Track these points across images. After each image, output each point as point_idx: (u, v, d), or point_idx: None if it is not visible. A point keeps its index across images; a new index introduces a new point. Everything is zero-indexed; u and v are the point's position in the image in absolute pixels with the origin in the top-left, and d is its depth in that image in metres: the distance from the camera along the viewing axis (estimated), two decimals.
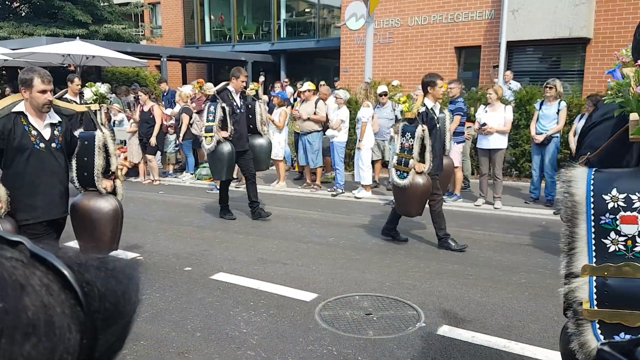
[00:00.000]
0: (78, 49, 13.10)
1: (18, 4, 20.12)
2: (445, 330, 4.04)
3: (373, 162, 9.50)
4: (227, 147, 7.09)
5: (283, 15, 21.06)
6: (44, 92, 3.66)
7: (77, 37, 14.42)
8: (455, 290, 4.87)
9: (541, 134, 8.06)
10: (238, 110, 7.35)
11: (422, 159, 5.88)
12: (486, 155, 8.17)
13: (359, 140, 8.94)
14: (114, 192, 4.33)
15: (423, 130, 5.82)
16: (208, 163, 7.46)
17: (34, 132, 3.74)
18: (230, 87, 7.35)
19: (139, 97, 10.73)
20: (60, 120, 3.95)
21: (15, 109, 3.69)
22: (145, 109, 10.32)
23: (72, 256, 0.61)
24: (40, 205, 3.81)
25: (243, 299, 4.65)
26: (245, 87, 7.95)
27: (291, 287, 4.92)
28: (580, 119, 7.66)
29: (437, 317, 4.27)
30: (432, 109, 6.08)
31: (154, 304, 4.56)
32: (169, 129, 11.05)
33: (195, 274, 5.29)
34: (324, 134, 9.73)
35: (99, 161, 4.13)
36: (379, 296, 4.72)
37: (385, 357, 3.63)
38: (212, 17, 22.87)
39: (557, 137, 8.09)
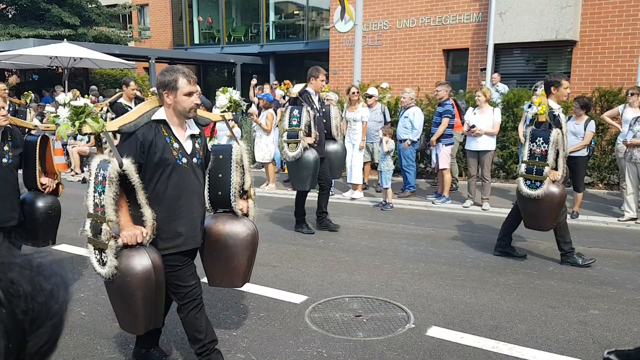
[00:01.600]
0: (65, 51, 13.04)
1: (4, 5, 19.95)
2: (434, 331, 4.07)
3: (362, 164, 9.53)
4: (312, 155, 6.48)
5: (272, 17, 21.06)
6: (190, 94, 3.08)
7: (65, 39, 14.33)
8: (444, 291, 4.90)
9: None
10: (318, 114, 6.74)
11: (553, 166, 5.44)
12: (475, 157, 8.24)
13: (363, 140, 8.95)
14: (245, 214, 3.65)
15: (557, 134, 5.36)
16: (289, 172, 6.86)
17: (175, 145, 3.11)
18: (309, 89, 6.73)
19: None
20: (200, 131, 3.32)
21: (155, 117, 3.10)
22: None
23: None
24: (183, 231, 3.15)
25: (232, 302, 4.65)
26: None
27: (281, 290, 4.93)
28: (567, 121, 7.72)
29: (426, 318, 4.29)
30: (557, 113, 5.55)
31: None
32: None
33: None
34: None
35: (236, 178, 3.49)
36: (369, 298, 4.74)
37: (375, 359, 3.65)
38: (201, 18, 22.81)
39: None
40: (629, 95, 7.84)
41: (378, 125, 9.38)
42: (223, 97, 4.04)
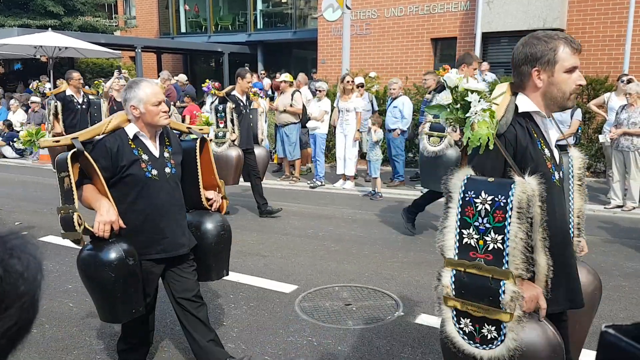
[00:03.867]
0: (50, 40, 12.88)
1: None
2: (423, 318, 4.10)
3: None
4: (456, 153, 5.83)
5: (259, 5, 20.92)
6: (572, 70, 2.05)
7: (49, 28, 14.15)
8: (433, 279, 4.92)
9: None
10: None
11: None
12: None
13: (358, 130, 8.92)
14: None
15: None
16: (422, 168, 6.19)
17: (547, 153, 2.09)
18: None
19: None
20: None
21: (523, 108, 2.08)
22: None
23: None
24: (564, 283, 2.10)
25: (222, 292, 4.65)
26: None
27: (271, 279, 4.93)
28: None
29: (415, 306, 4.32)
30: None
31: None
32: None
33: None
34: (302, 126, 9.73)
35: (579, 202, 2.38)
36: (358, 287, 4.77)
37: (365, 347, 3.67)
38: (187, 7, 22.59)
39: None
40: (623, 82, 7.78)
41: (366, 114, 9.38)
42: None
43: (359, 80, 9.67)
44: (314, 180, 9.41)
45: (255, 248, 5.90)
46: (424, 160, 6.02)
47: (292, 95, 9.53)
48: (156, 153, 2.94)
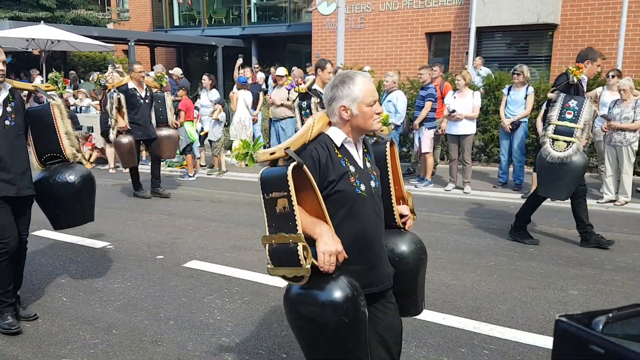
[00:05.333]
0: (43, 33, 12.79)
1: None
2: None
3: None
4: (583, 160, 5.32)
5: None
6: None
7: (42, 21, 14.05)
8: (426, 273, 4.94)
9: (509, 119, 8.19)
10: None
11: None
12: (455, 141, 8.28)
13: None
14: None
15: None
16: (540, 174, 5.62)
17: None
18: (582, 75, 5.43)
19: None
20: None
21: None
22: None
23: None
24: None
25: (217, 286, 4.65)
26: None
27: (265, 274, 4.93)
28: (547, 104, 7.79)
29: None
30: None
31: (126, 293, 4.52)
32: None
33: (167, 262, 5.26)
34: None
35: None
36: None
37: None
38: (180, 0, 22.45)
39: (525, 122, 8.23)
40: (610, 77, 7.89)
41: None
42: None
43: None
44: None
45: (249, 242, 5.90)
46: (545, 165, 5.44)
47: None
48: (361, 163, 2.39)
